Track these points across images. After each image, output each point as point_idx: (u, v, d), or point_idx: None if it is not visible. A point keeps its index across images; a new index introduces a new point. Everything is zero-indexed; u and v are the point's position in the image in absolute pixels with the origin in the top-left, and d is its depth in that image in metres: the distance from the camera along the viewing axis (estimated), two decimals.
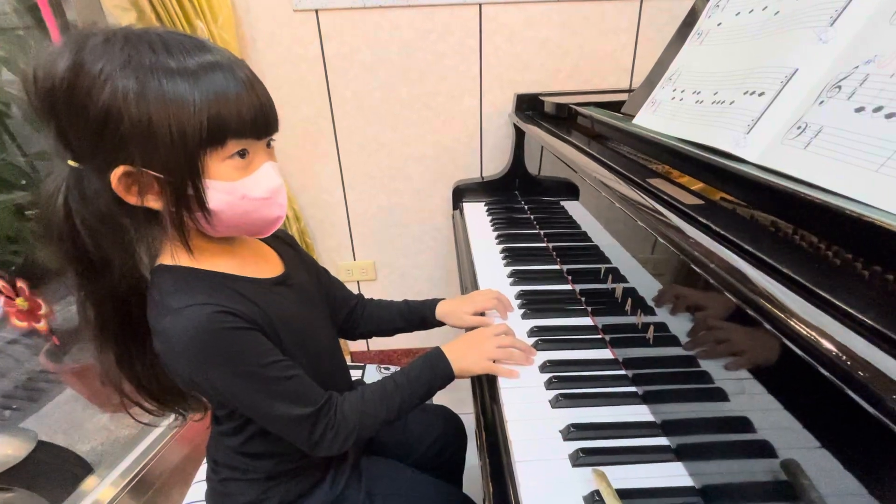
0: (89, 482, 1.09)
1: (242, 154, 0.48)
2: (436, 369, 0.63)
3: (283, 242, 0.66)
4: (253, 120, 0.47)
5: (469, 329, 0.74)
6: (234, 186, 0.48)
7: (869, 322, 0.29)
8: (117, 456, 1.14)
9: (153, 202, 0.46)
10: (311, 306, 0.64)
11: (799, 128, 0.44)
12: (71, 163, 0.45)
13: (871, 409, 0.26)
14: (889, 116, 0.36)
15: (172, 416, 0.62)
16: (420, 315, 0.78)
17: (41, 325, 1.21)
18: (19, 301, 1.15)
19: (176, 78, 0.43)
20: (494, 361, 0.64)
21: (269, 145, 0.52)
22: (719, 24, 0.67)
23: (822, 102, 0.43)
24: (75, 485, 1.07)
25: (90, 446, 1.30)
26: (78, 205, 0.46)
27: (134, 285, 0.51)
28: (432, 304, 0.78)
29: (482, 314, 0.77)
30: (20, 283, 1.17)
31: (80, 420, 1.40)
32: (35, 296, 1.19)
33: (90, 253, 0.47)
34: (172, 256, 0.51)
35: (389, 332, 0.80)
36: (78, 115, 0.42)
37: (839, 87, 0.42)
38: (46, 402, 1.46)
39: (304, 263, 0.69)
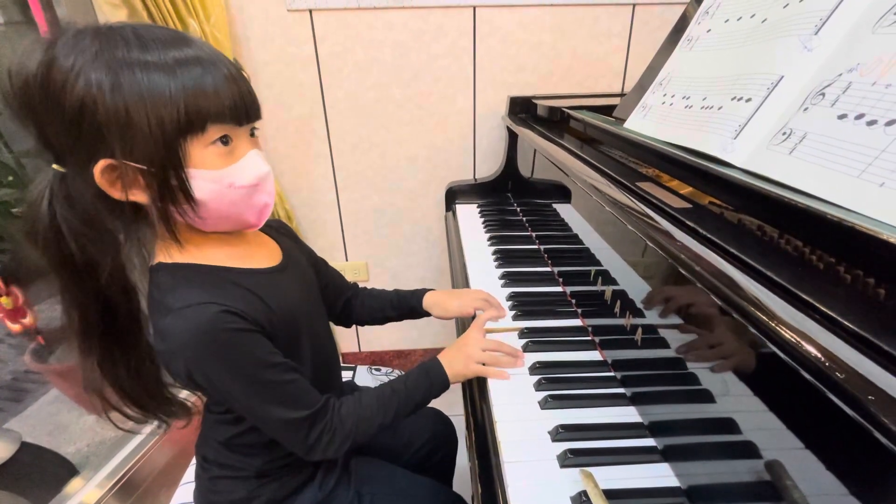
0: (74, 484, 1.07)
1: (225, 141, 0.47)
2: (431, 376, 0.64)
3: (281, 233, 0.66)
4: (233, 106, 0.46)
5: (455, 319, 0.75)
6: (220, 175, 0.47)
7: (850, 326, 0.29)
8: (103, 457, 1.13)
9: (139, 196, 0.46)
10: (309, 294, 0.64)
11: (784, 134, 0.45)
12: (55, 167, 0.45)
13: (850, 412, 0.26)
14: (870, 124, 0.37)
15: (155, 423, 0.61)
16: (408, 305, 0.80)
17: (28, 320, 1.19)
18: (4, 300, 1.13)
19: (151, 70, 0.42)
20: (484, 365, 0.64)
21: (252, 134, 0.51)
22: (709, 31, 0.68)
23: (806, 109, 0.44)
24: (60, 487, 1.06)
25: (75, 448, 1.28)
26: (63, 209, 0.45)
27: (121, 289, 0.50)
28: (420, 294, 0.80)
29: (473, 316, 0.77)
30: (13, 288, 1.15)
31: (65, 421, 1.38)
32: (11, 287, 1.16)
33: (75, 257, 0.47)
34: (168, 254, 0.50)
35: (380, 321, 0.81)
36: (53, 110, 0.42)
37: (823, 95, 0.43)
38: (31, 403, 1.44)
39: (302, 254, 0.69)
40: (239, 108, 0.47)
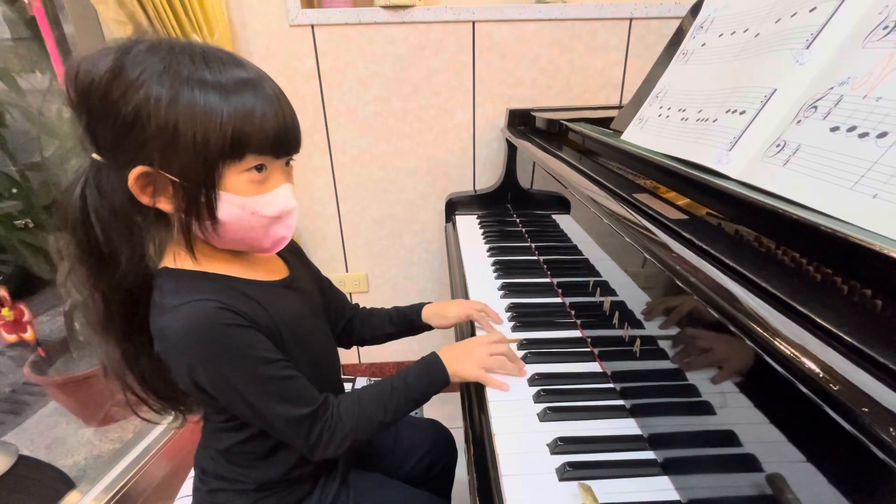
0: (71, 497, 1.06)
1: (259, 168, 0.48)
2: (431, 373, 0.63)
3: (288, 251, 0.66)
4: (275, 138, 0.48)
5: (454, 327, 0.74)
6: (247, 202, 0.49)
7: (847, 338, 0.29)
8: (100, 471, 1.12)
9: (165, 204, 0.47)
10: (313, 312, 0.64)
11: (778, 146, 0.45)
12: (94, 156, 0.47)
13: (846, 425, 0.26)
14: (862, 136, 0.37)
15: (171, 417, 0.62)
16: (407, 319, 0.79)
17: (28, 335, 1.19)
18: (5, 311, 1.13)
19: (209, 91, 0.44)
20: (487, 371, 0.64)
21: (287, 164, 0.53)
22: (703, 45, 0.69)
23: (799, 122, 0.44)
24: (57, 500, 1.05)
25: (73, 461, 1.28)
26: (94, 198, 0.47)
27: (140, 280, 0.52)
28: (419, 307, 0.80)
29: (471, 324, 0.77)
30: (2, 293, 1.15)
31: (63, 434, 1.37)
32: (18, 303, 1.17)
33: (100, 245, 0.48)
34: (175, 260, 0.51)
35: (381, 339, 0.81)
36: (109, 113, 0.44)
37: (815, 108, 0.43)
38: (29, 416, 1.43)
39: (308, 272, 0.69)
40: (280, 141, 0.49)
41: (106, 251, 0.49)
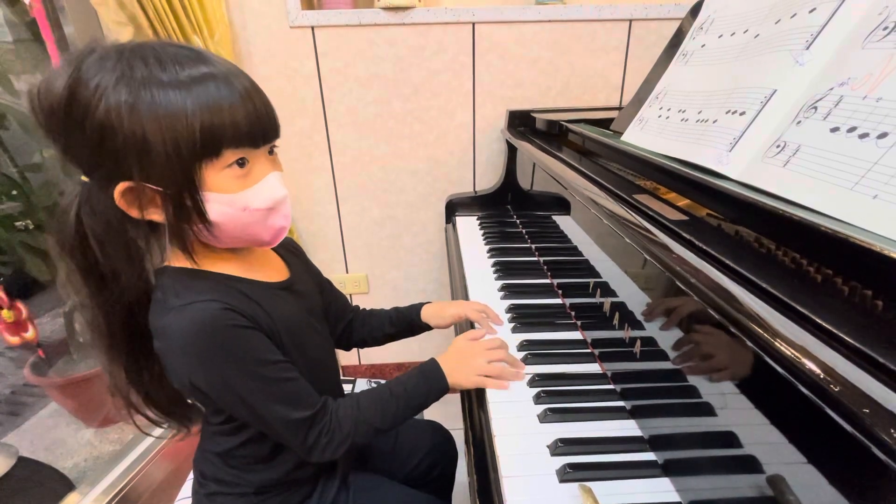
0: (71, 499, 1.06)
1: (241, 163, 0.47)
2: (430, 381, 0.63)
3: (289, 252, 0.66)
4: (249, 127, 0.46)
5: (453, 327, 0.74)
6: (235, 198, 0.48)
7: (847, 339, 0.29)
8: (100, 472, 1.12)
9: (155, 215, 0.47)
10: (312, 314, 0.64)
11: (778, 146, 0.45)
12: (83, 178, 0.46)
13: (847, 426, 0.26)
14: (862, 137, 0.37)
15: (175, 428, 0.62)
16: (407, 319, 0.79)
17: (30, 334, 1.19)
18: (5, 313, 1.13)
19: (168, 90, 0.43)
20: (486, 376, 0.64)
21: (271, 152, 0.52)
22: (703, 46, 0.69)
23: (799, 122, 0.44)
24: (56, 502, 1.05)
25: (73, 462, 1.28)
26: (89, 218, 0.47)
27: (141, 294, 0.51)
28: (418, 307, 0.80)
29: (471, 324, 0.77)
30: (1, 294, 1.16)
31: (63, 436, 1.37)
32: (16, 303, 1.17)
33: (100, 264, 0.48)
34: (176, 259, 0.51)
35: (381, 340, 0.80)
36: (76, 132, 0.43)
37: (815, 108, 0.43)
38: (29, 417, 1.43)
39: (309, 273, 0.69)
40: (255, 130, 0.47)
41: (105, 269, 0.48)
